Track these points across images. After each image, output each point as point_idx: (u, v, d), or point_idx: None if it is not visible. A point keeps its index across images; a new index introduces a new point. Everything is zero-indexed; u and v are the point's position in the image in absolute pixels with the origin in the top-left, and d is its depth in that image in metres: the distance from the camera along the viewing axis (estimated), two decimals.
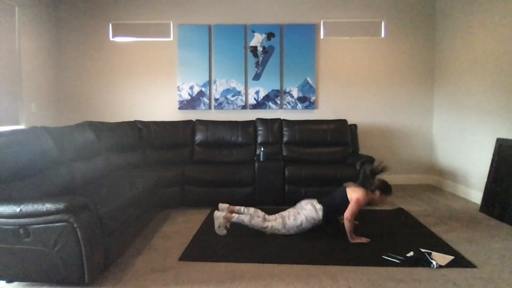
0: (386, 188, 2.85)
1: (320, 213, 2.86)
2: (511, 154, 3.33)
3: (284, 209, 3.50)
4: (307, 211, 2.89)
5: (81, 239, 1.96)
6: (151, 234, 3.02)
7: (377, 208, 3.72)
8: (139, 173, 3.36)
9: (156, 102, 4.92)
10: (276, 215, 2.99)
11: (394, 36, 4.83)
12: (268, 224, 2.88)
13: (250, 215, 2.93)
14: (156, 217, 3.49)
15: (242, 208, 3.06)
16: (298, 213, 2.92)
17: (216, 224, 2.91)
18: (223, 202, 3.27)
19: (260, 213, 3.00)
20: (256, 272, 2.30)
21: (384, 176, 2.89)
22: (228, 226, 2.94)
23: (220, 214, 2.93)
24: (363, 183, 2.91)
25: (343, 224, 2.97)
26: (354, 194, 2.81)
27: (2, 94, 3.86)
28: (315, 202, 2.93)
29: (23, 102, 4.15)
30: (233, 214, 2.93)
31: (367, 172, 3.00)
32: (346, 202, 2.82)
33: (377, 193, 2.82)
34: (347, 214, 2.74)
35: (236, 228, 2.98)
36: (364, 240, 2.75)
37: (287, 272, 2.29)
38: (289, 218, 2.90)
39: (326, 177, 3.76)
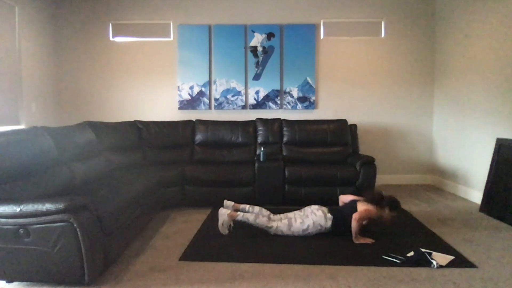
0: (394, 204, 2.83)
1: (329, 223, 2.85)
2: (511, 154, 3.33)
3: (284, 209, 3.50)
4: (316, 216, 2.86)
5: (81, 239, 1.96)
6: (151, 234, 3.02)
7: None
8: (139, 173, 3.36)
9: (156, 102, 4.92)
10: (281, 215, 2.98)
11: (394, 36, 4.83)
12: (273, 224, 2.87)
13: (255, 214, 2.91)
14: (156, 217, 3.49)
15: (247, 206, 3.05)
16: (307, 216, 2.89)
17: (220, 221, 2.89)
18: (222, 203, 3.25)
19: (265, 212, 2.99)
20: (256, 272, 2.30)
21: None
22: (232, 225, 2.92)
23: (225, 211, 2.91)
24: (372, 200, 2.87)
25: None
26: (364, 207, 2.81)
27: (2, 94, 3.86)
28: (326, 210, 2.92)
29: (23, 102, 4.15)
30: (238, 213, 2.90)
31: (376, 193, 2.98)
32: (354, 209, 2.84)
33: (386, 210, 2.80)
34: (355, 215, 2.74)
35: (236, 228, 2.98)
36: (368, 240, 2.75)
37: (287, 272, 2.29)
38: (295, 221, 2.87)
39: (326, 177, 3.76)
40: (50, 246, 1.96)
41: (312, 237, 2.86)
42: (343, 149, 4.31)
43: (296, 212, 3.00)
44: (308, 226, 2.84)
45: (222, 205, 3.08)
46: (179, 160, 4.27)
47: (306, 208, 3.02)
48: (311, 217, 2.87)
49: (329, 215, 2.88)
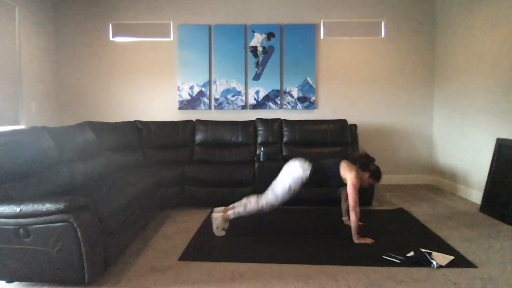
0: (377, 174, 2.86)
1: (308, 172, 2.77)
2: (511, 154, 3.33)
3: (284, 209, 3.51)
4: (292, 171, 2.80)
5: (81, 239, 1.96)
6: (151, 234, 3.02)
7: (377, 208, 3.73)
8: (139, 173, 3.36)
9: (156, 102, 4.92)
10: (267, 190, 2.92)
11: (394, 36, 4.83)
12: (263, 202, 2.83)
13: (243, 205, 2.88)
14: (156, 217, 3.49)
15: (235, 203, 3.03)
16: (284, 175, 2.84)
17: (214, 226, 2.91)
18: (222, 203, 3.25)
19: (252, 198, 2.93)
20: (256, 272, 2.30)
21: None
22: (226, 227, 2.93)
23: (218, 215, 2.92)
24: (357, 161, 2.86)
25: (347, 226, 2.97)
26: (347, 174, 2.75)
27: (2, 94, 3.86)
28: (303, 161, 2.86)
29: (23, 102, 4.15)
30: (229, 212, 2.90)
31: (363, 154, 2.96)
32: (337, 176, 2.79)
33: (367, 174, 2.83)
34: (352, 203, 2.69)
35: (236, 228, 2.98)
36: (368, 240, 2.74)
37: (287, 272, 2.29)
38: (277, 188, 2.81)
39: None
40: (50, 246, 1.96)
41: (312, 237, 2.86)
42: (343, 149, 4.31)
43: (277, 177, 2.92)
44: (289, 185, 2.77)
45: (222, 205, 3.07)
46: (179, 160, 4.27)
47: (283, 167, 2.94)
48: (288, 174, 2.82)
49: (307, 163, 2.82)
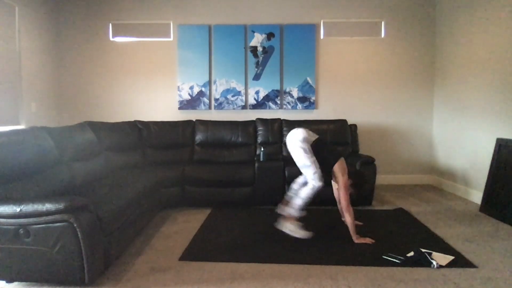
0: (355, 187, 2.88)
1: (313, 139, 2.88)
2: (511, 154, 3.33)
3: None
4: (297, 136, 2.84)
5: (81, 239, 1.96)
6: (151, 234, 3.02)
7: (377, 208, 3.73)
8: (139, 173, 3.36)
9: (156, 102, 4.92)
10: (301, 171, 2.92)
11: (394, 36, 4.83)
12: (310, 183, 2.80)
13: (298, 197, 2.83)
14: (156, 217, 3.49)
15: (290, 194, 3.03)
16: (293, 150, 2.85)
17: (289, 232, 2.86)
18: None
19: (299, 180, 3.02)
20: (256, 272, 2.30)
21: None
22: (299, 223, 2.88)
23: (283, 224, 2.88)
24: (354, 169, 2.90)
25: (347, 226, 2.97)
26: (339, 174, 2.80)
27: (2, 94, 3.86)
28: (307, 129, 2.93)
29: (23, 102, 4.15)
30: (291, 212, 2.85)
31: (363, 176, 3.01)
32: (330, 166, 2.85)
33: (349, 182, 2.84)
34: (344, 204, 2.74)
35: (236, 228, 2.98)
36: (368, 240, 2.75)
37: (287, 272, 2.29)
38: (303, 159, 2.80)
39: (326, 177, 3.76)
40: (50, 246, 1.96)
41: (312, 237, 2.85)
42: (343, 149, 4.31)
43: (296, 161, 2.91)
44: (301, 148, 2.80)
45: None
46: (179, 160, 4.27)
47: (288, 144, 2.95)
48: (294, 140, 2.84)
49: (311, 132, 2.93)
